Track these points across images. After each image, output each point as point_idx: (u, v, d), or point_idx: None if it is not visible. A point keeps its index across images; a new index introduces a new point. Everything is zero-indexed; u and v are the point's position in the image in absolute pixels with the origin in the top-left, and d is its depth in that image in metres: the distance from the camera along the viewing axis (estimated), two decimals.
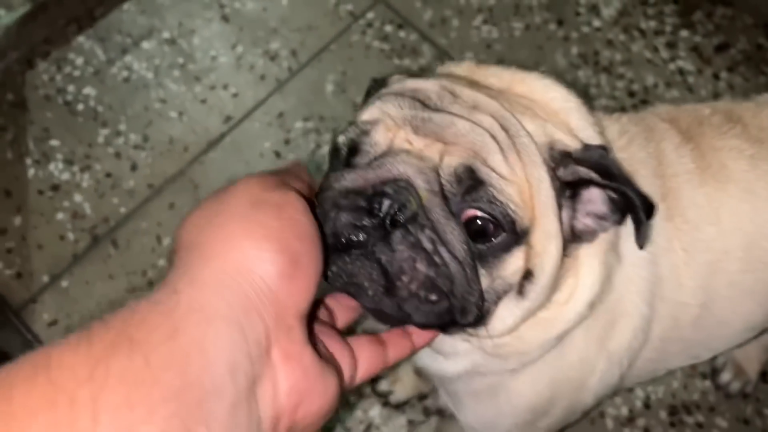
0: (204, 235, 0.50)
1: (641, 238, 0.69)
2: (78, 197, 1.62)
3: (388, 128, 0.67)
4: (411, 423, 1.42)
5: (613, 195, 0.70)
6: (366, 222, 0.62)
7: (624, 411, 1.43)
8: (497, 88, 0.74)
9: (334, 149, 0.70)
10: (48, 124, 1.70)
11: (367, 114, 0.69)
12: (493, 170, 0.65)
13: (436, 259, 0.63)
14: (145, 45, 1.81)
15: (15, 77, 1.76)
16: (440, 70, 0.82)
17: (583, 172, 0.69)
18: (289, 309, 0.49)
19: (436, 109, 0.68)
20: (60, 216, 1.60)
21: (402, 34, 1.84)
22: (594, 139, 0.73)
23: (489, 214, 0.64)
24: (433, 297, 0.63)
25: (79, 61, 1.78)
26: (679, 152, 0.88)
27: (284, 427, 0.49)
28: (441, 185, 0.64)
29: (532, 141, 0.68)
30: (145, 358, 0.42)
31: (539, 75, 0.77)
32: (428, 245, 0.63)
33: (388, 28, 1.85)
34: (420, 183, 0.63)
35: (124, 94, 1.75)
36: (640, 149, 0.85)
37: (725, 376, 1.42)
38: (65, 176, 1.64)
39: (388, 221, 0.62)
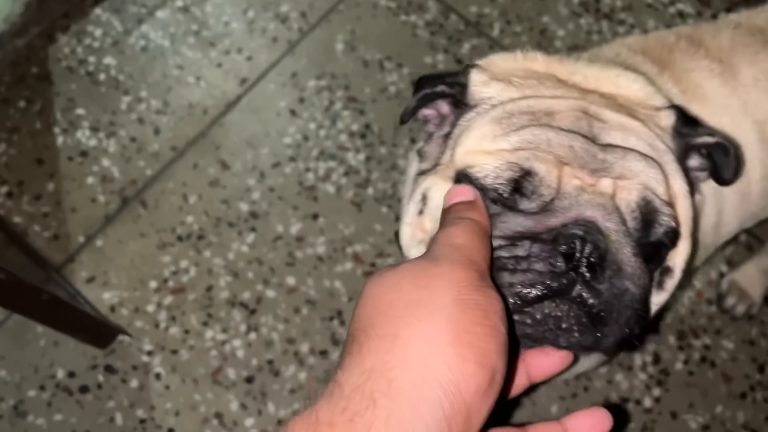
0: (404, 328, 0.49)
1: (736, 175, 0.75)
2: (106, 162, 1.70)
3: (552, 164, 0.65)
4: None
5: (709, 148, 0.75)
6: (567, 267, 0.62)
7: None
8: (585, 88, 0.76)
9: (485, 180, 0.67)
10: (73, 95, 1.78)
11: (515, 142, 0.67)
12: (660, 198, 0.66)
13: (629, 292, 0.64)
14: (160, 14, 1.87)
15: (38, 52, 1.83)
16: (509, 63, 0.81)
17: (701, 142, 0.74)
18: (474, 425, 0.49)
19: (594, 140, 0.67)
20: (90, 180, 1.69)
21: None
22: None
23: (669, 241, 0.67)
24: (631, 323, 0.65)
25: (98, 32, 1.85)
26: (662, 81, 0.94)
27: None
28: (625, 223, 0.65)
29: (670, 153, 0.70)
30: None
31: (617, 69, 0.80)
32: (620, 283, 0.64)
33: None
34: (610, 225, 0.64)
35: (143, 63, 1.82)
36: None
37: (730, 301, 1.49)
38: (92, 143, 1.72)
39: (584, 263, 0.62)
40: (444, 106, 0.78)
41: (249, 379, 1.50)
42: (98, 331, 1.48)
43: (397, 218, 1.63)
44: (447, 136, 0.76)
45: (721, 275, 1.56)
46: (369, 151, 1.71)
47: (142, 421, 1.47)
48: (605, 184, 0.65)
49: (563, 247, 0.61)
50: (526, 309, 0.63)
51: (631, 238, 0.65)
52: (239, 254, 1.61)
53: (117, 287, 1.58)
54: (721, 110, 0.95)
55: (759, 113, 0.95)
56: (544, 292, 0.62)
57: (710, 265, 1.57)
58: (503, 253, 0.63)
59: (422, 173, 0.78)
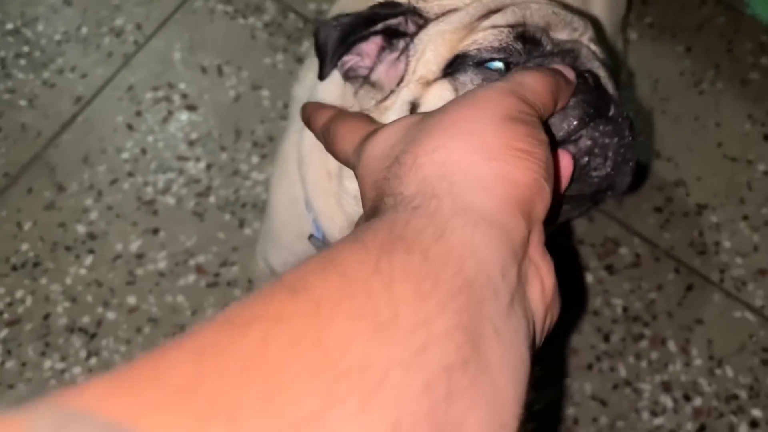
0: (454, 140, 0.48)
1: None
2: None
3: (531, 15, 0.71)
4: None
5: None
6: (596, 95, 0.68)
7: None
8: None
9: (492, 45, 0.70)
10: None
11: (509, 18, 0.71)
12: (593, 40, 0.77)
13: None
14: None
15: None
16: None
17: None
18: (539, 214, 0.49)
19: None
20: None
21: None
22: None
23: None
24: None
25: None
26: None
27: (549, 324, 0.50)
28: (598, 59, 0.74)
29: None
30: (423, 255, 0.40)
31: None
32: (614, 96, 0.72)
33: None
34: (596, 63, 0.73)
35: None
36: None
37: None
38: None
39: (602, 91, 0.69)
40: (372, 45, 0.75)
41: None
42: None
43: (241, 225, 1.60)
44: (399, 57, 0.74)
45: None
46: (209, 158, 1.67)
47: None
48: (577, 36, 0.75)
49: (588, 80, 0.67)
50: (581, 134, 0.66)
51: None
52: (77, 278, 1.55)
53: None
54: None
55: None
56: (592, 109, 0.66)
57: None
58: None
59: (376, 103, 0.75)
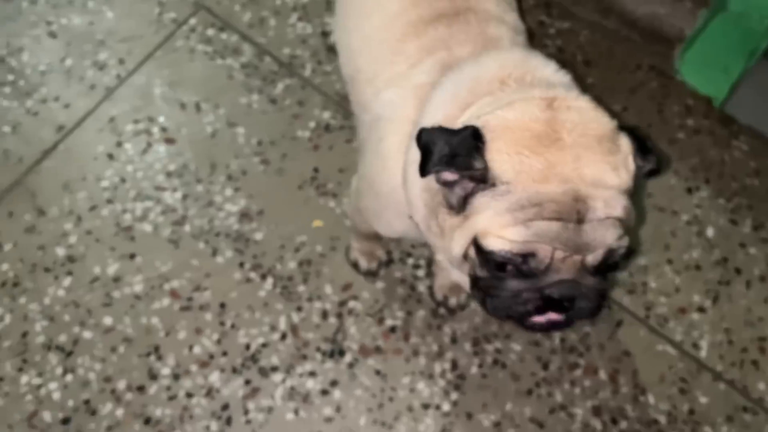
0: None
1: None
2: None
3: (549, 249, 0.92)
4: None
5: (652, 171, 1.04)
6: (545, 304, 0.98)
7: (434, 347, 1.64)
8: (576, 124, 0.98)
9: (501, 253, 0.94)
10: None
11: (523, 235, 0.92)
12: (619, 242, 0.95)
13: (589, 308, 1.01)
14: None
15: None
16: (522, 119, 0.97)
17: (649, 168, 1.02)
18: None
19: (582, 220, 0.92)
20: None
21: (223, 36, 2.00)
22: None
23: (625, 258, 0.99)
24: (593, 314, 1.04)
25: None
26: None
27: None
28: (591, 272, 0.96)
29: (631, 178, 0.97)
30: None
31: (593, 110, 1.05)
32: (585, 305, 0.99)
33: (210, 32, 2.00)
34: (581, 280, 0.96)
35: None
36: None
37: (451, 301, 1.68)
38: None
39: (558, 306, 0.99)
40: (451, 175, 0.97)
41: (65, 421, 1.52)
42: None
43: (214, 253, 1.71)
44: (465, 198, 0.97)
45: None
46: (186, 189, 1.78)
47: None
48: (578, 257, 0.94)
49: (546, 292, 0.96)
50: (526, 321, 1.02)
51: (596, 277, 0.97)
52: (55, 298, 1.64)
53: None
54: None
55: None
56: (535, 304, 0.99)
57: None
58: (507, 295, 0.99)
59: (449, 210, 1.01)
